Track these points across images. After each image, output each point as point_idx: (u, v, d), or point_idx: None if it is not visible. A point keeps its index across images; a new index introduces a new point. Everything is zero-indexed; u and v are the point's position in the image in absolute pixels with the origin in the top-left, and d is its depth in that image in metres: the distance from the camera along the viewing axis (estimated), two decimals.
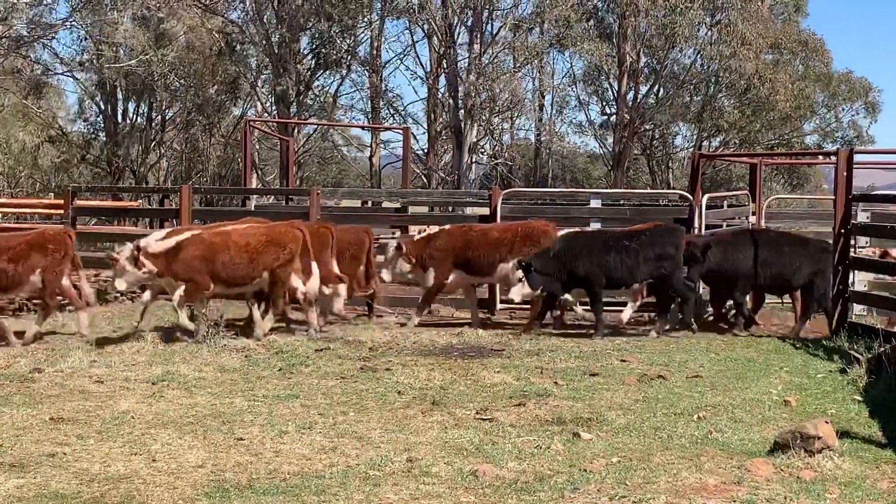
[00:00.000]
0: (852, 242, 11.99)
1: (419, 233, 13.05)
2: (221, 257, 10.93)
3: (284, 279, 11.26)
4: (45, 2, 28.60)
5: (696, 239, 12.44)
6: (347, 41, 33.56)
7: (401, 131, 25.32)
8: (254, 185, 26.71)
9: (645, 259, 11.91)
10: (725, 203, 16.40)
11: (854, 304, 11.85)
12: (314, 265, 11.53)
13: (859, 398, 8.23)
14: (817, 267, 12.15)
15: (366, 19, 33.78)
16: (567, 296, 12.33)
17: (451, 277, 12.67)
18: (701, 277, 12.39)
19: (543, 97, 39.33)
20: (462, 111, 32.60)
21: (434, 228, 13.01)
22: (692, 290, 12.16)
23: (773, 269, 12.23)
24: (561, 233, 12.45)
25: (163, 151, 39.36)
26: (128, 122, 37.78)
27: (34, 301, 12.57)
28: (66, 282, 11.49)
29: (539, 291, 11.93)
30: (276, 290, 11.32)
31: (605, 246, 11.99)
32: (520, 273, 11.78)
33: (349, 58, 34.08)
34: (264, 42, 32.97)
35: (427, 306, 12.84)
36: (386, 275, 12.60)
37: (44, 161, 39.69)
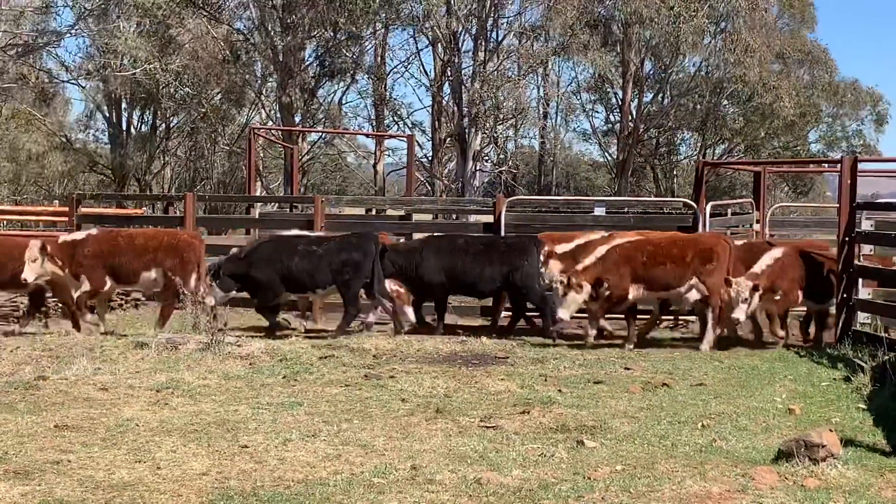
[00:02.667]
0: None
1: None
2: None
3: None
4: (51, 9, 28.74)
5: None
6: (352, 49, 33.63)
7: (405, 139, 25.39)
8: (258, 193, 26.74)
9: (330, 265, 12.08)
10: (729, 211, 16.39)
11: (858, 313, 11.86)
12: None
13: (863, 406, 8.22)
14: (511, 267, 12.10)
15: (371, 28, 33.85)
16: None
17: (108, 284, 12.41)
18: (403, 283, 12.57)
19: (548, 105, 39.39)
20: (466, 119, 32.65)
21: (80, 234, 12.74)
22: (357, 300, 12.23)
23: (458, 276, 12.30)
24: (258, 238, 12.77)
25: (167, 159, 39.43)
26: (132, 129, 37.86)
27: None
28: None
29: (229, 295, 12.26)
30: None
31: (290, 251, 12.14)
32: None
33: (354, 66, 34.13)
34: (269, 50, 33.03)
35: (83, 313, 12.39)
36: (28, 274, 11.97)
37: (48, 168, 39.74)
